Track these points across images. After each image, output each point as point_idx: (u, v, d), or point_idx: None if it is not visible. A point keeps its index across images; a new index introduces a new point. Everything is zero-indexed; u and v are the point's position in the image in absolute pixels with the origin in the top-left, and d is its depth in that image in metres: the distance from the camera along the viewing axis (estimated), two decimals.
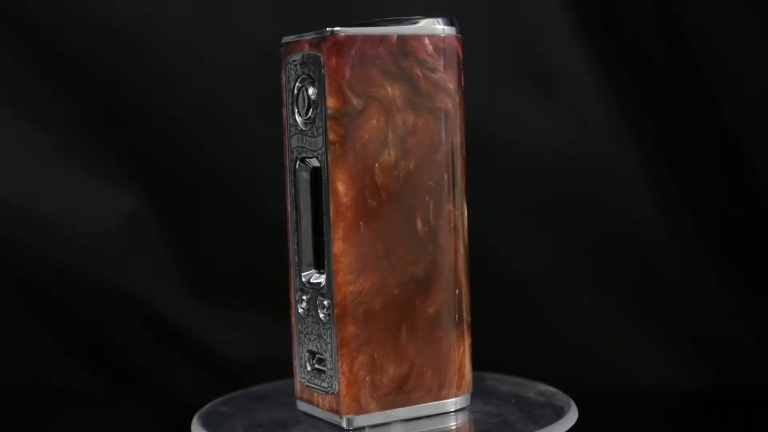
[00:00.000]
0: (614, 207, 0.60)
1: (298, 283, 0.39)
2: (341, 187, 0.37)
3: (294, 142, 0.39)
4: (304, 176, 0.39)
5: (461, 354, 0.40)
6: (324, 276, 0.38)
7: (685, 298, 0.60)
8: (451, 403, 0.40)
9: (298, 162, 0.39)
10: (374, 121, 0.37)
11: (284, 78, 0.39)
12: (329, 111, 0.37)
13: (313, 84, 0.37)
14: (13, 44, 0.60)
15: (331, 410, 0.38)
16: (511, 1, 0.60)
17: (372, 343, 0.38)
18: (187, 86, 0.60)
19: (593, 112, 0.60)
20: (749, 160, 0.59)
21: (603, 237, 0.60)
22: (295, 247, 0.39)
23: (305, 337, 0.39)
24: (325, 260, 0.37)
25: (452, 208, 0.39)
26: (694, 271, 0.60)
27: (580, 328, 0.60)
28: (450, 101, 0.39)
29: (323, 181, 0.37)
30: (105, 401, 0.59)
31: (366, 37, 0.37)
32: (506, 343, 0.60)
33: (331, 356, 0.38)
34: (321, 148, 0.37)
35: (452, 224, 0.39)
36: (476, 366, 0.46)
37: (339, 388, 0.37)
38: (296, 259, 0.39)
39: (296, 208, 0.39)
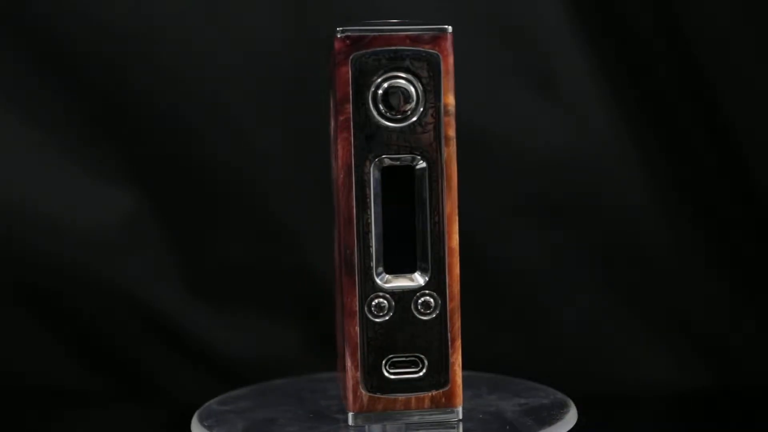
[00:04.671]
0: (614, 207, 0.60)
1: (367, 289, 0.39)
2: (458, 181, 0.39)
3: (366, 140, 0.39)
4: (377, 176, 0.39)
5: None
6: (419, 275, 0.39)
7: (685, 298, 0.60)
8: None
9: (374, 161, 0.39)
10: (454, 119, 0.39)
11: (351, 73, 0.39)
12: (448, 107, 0.38)
13: (414, 81, 0.38)
14: (13, 44, 0.60)
15: (439, 406, 0.39)
16: (511, 1, 0.60)
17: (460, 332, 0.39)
18: (187, 86, 0.60)
19: (593, 111, 0.60)
20: (749, 160, 0.59)
21: (603, 237, 0.60)
22: (363, 251, 0.39)
23: (383, 343, 0.39)
24: (429, 258, 0.39)
25: None
26: (694, 271, 0.60)
27: (580, 328, 0.60)
28: None
29: (429, 179, 0.38)
30: (105, 401, 0.59)
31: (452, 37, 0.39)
32: (506, 343, 0.60)
33: (440, 352, 0.39)
34: (425, 145, 0.38)
35: None
36: (476, 366, 0.46)
37: (452, 381, 0.39)
38: (362, 264, 0.39)
39: (367, 210, 0.39)
